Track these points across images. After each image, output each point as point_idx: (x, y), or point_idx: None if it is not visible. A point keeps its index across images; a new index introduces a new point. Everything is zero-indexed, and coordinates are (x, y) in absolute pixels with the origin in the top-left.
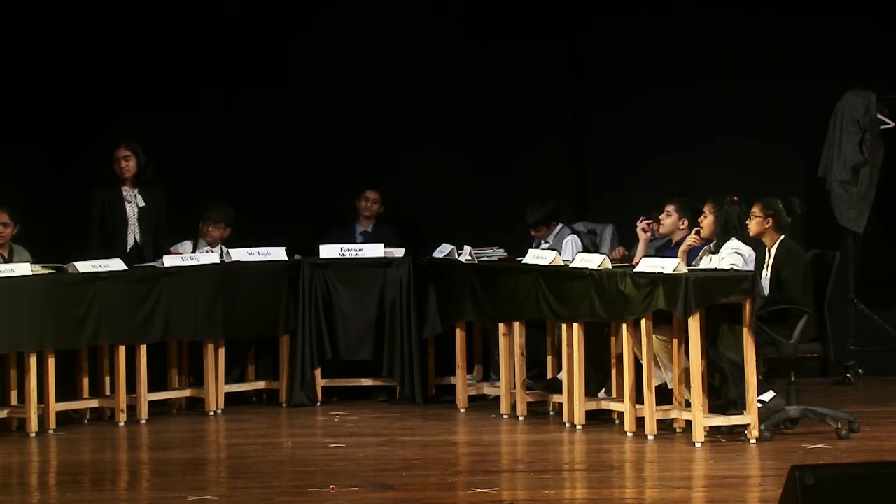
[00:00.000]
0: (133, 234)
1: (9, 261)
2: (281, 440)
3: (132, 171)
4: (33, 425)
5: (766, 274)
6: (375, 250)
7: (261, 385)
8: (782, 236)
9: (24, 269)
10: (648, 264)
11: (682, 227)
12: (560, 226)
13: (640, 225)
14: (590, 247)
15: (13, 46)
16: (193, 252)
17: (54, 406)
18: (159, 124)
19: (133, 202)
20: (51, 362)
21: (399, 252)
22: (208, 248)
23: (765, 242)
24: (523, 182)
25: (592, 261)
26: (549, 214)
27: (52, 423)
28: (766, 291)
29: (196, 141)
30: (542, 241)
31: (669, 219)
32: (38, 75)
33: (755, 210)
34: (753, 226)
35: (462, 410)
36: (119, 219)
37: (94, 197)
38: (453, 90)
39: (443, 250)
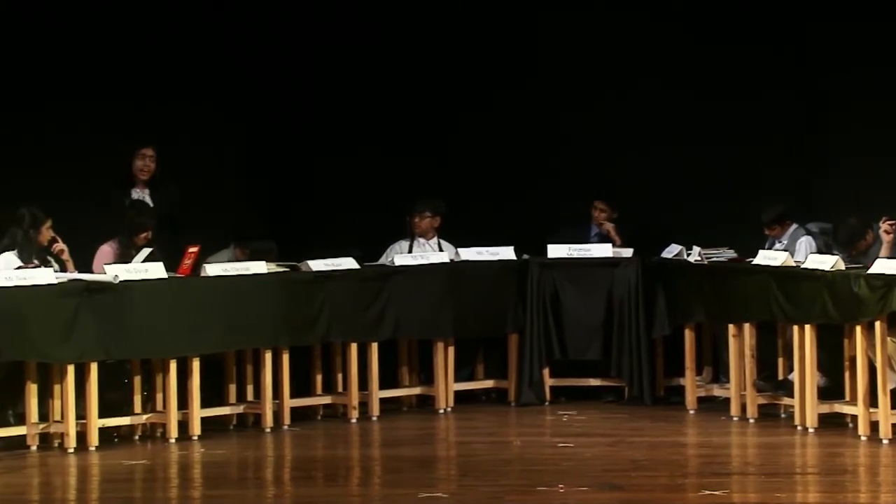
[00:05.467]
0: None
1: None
2: (510, 439)
3: (150, 173)
4: (268, 421)
5: None
6: (603, 250)
7: (489, 384)
8: None
9: (259, 267)
10: (883, 266)
11: None
12: (794, 226)
13: (884, 226)
14: (823, 247)
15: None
16: (410, 251)
17: (288, 402)
18: (394, 127)
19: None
20: (285, 359)
21: (627, 252)
22: (423, 239)
23: None
24: (753, 181)
25: (825, 262)
26: (783, 213)
27: (287, 419)
28: None
29: (430, 142)
30: (777, 241)
31: None
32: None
33: None
34: None
35: (691, 412)
36: None
37: (112, 199)
38: (683, 89)
39: (671, 250)
